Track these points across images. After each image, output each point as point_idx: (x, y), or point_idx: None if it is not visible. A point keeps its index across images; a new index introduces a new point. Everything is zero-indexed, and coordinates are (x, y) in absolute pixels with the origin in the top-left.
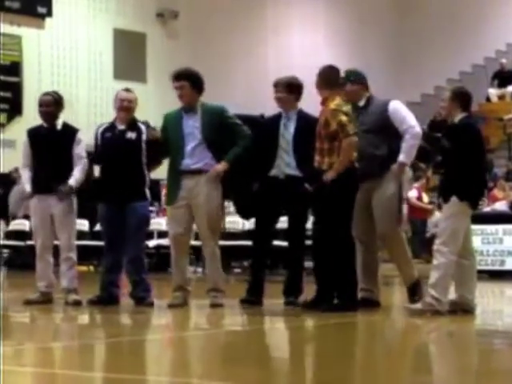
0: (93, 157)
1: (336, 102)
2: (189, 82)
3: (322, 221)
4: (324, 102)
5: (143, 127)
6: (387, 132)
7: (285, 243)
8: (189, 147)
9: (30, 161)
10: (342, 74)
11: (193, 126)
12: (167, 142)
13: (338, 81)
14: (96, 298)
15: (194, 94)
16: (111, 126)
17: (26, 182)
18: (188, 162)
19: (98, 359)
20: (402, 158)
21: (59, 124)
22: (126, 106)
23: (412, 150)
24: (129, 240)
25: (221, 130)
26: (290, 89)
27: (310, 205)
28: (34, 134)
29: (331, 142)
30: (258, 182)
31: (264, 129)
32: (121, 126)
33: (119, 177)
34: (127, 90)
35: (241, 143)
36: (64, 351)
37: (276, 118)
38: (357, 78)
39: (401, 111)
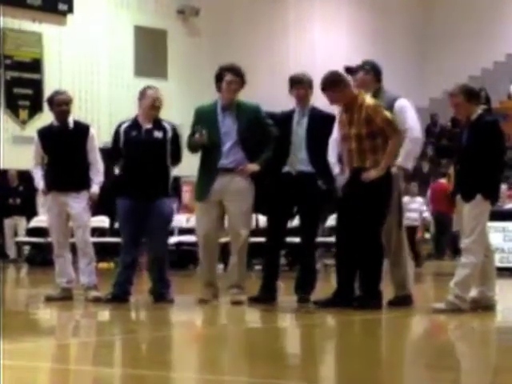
0: (112, 154)
1: (370, 98)
2: (241, 78)
3: (360, 220)
4: (351, 103)
5: (168, 126)
6: None
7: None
8: (226, 146)
9: (42, 159)
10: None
11: (230, 125)
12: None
13: (347, 81)
14: (110, 295)
15: (238, 92)
16: (135, 124)
17: (39, 180)
18: (224, 162)
19: (118, 355)
20: (400, 161)
21: (71, 122)
22: (157, 106)
23: (410, 155)
24: (154, 237)
25: (255, 130)
26: (312, 86)
27: (325, 202)
28: (45, 133)
29: (372, 139)
30: (270, 178)
31: (278, 125)
32: (147, 125)
33: (146, 175)
34: (152, 88)
35: (270, 146)
36: (82, 347)
37: (289, 115)
38: (371, 68)
39: (406, 110)
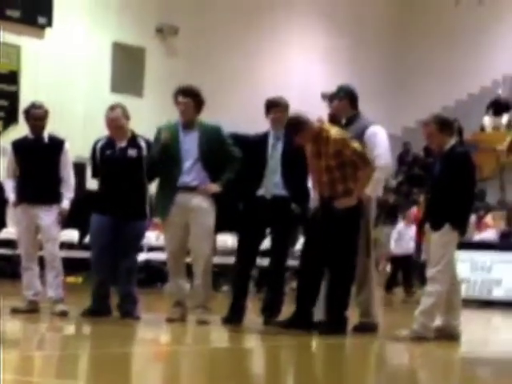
0: (92, 172)
1: (334, 130)
2: (193, 99)
3: (327, 246)
4: (316, 136)
5: (143, 144)
6: None
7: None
8: (187, 164)
9: (14, 171)
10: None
11: (191, 143)
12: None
13: (307, 120)
14: (88, 309)
15: (195, 112)
16: (110, 143)
17: (9, 192)
18: (186, 179)
19: (81, 369)
20: (367, 190)
21: (45, 135)
22: (113, 126)
23: (378, 183)
24: (125, 254)
25: (216, 150)
26: (287, 109)
27: (298, 225)
28: (20, 146)
29: (343, 170)
30: (243, 201)
31: (252, 148)
32: (121, 144)
33: (121, 193)
34: (112, 107)
35: (233, 167)
36: (46, 360)
37: (263, 138)
38: (346, 95)
39: (377, 138)
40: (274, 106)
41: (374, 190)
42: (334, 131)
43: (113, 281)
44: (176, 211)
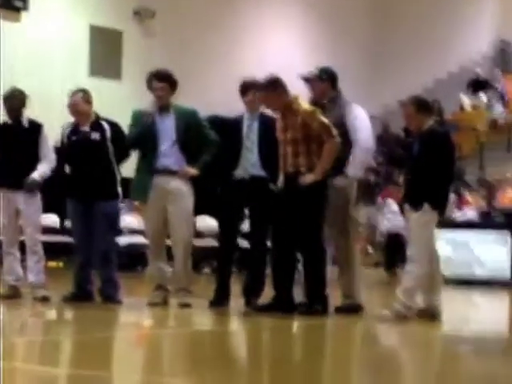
0: (60, 156)
1: (305, 103)
2: (169, 83)
3: (298, 225)
4: (286, 108)
5: (106, 125)
6: (341, 136)
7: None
8: (164, 146)
9: None
10: (314, 70)
11: (167, 126)
12: (139, 139)
13: (285, 86)
14: (70, 294)
15: (170, 96)
16: (75, 128)
17: None
18: (164, 162)
19: (63, 355)
20: (351, 172)
21: (24, 120)
22: (73, 111)
23: (360, 164)
24: (98, 237)
25: (193, 133)
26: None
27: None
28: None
29: (308, 144)
30: (221, 182)
31: (228, 130)
32: (84, 128)
33: (87, 177)
34: (75, 92)
35: (210, 150)
36: (28, 346)
37: (238, 119)
38: (328, 77)
39: (359, 120)
40: (251, 88)
41: (356, 170)
42: (305, 103)
43: (93, 265)
44: (155, 194)
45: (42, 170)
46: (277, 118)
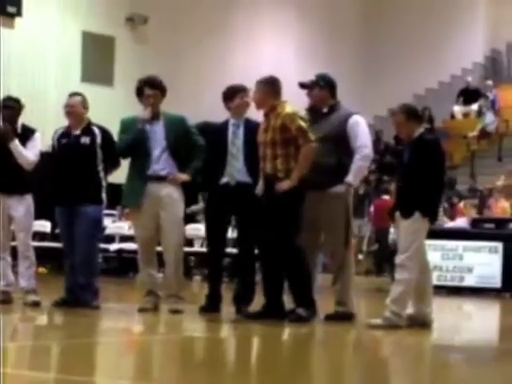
0: (50, 160)
1: (290, 108)
2: (160, 91)
3: (274, 229)
4: (271, 110)
5: (97, 131)
6: (340, 144)
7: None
8: (156, 153)
9: None
10: (313, 78)
11: (158, 133)
12: (132, 145)
13: (281, 90)
14: (60, 299)
15: (160, 103)
16: (67, 132)
17: None
18: (156, 168)
19: (53, 360)
20: (350, 179)
21: (19, 126)
22: (68, 112)
23: (360, 171)
24: (79, 242)
25: (182, 139)
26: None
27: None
28: None
29: (286, 147)
30: (208, 189)
31: (213, 136)
32: (75, 132)
33: (73, 181)
34: (73, 94)
35: (200, 155)
36: (19, 351)
37: (224, 126)
38: (326, 84)
39: (359, 128)
40: (241, 91)
41: (356, 178)
42: (288, 107)
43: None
44: (147, 201)
45: (26, 153)
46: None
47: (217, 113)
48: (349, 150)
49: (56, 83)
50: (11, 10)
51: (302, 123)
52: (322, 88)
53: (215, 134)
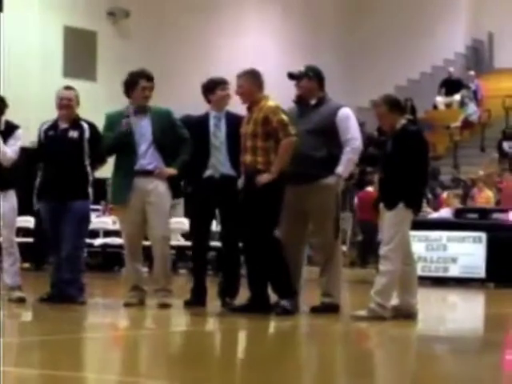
0: (36, 154)
1: (272, 102)
2: (152, 83)
3: (252, 222)
4: (255, 104)
5: (86, 125)
6: (329, 136)
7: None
8: (142, 148)
9: None
10: (302, 69)
11: (144, 128)
12: (116, 146)
13: (264, 83)
14: (46, 295)
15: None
16: (54, 125)
17: None
18: (142, 163)
19: (39, 356)
20: (340, 170)
21: (2, 123)
22: (64, 104)
23: (350, 163)
24: (66, 237)
25: (168, 133)
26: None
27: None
28: None
29: (266, 140)
30: (191, 182)
31: (194, 129)
32: (63, 125)
33: (60, 175)
34: (68, 87)
35: (186, 149)
36: (4, 348)
37: (204, 119)
38: (315, 76)
39: (348, 120)
40: (222, 84)
41: (345, 169)
42: (271, 101)
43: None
44: (134, 196)
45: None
46: (244, 115)
47: (201, 106)
48: (338, 143)
49: (39, 79)
50: None
51: (284, 117)
52: (310, 79)
53: (196, 126)
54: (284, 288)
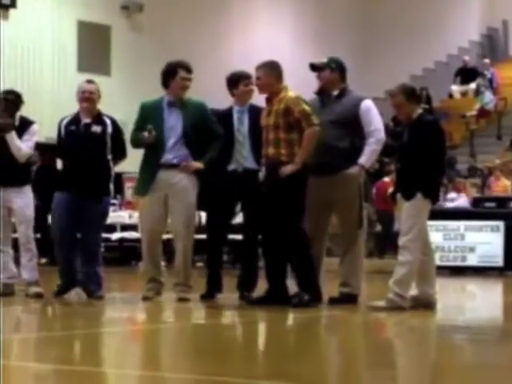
0: (56, 150)
1: (292, 92)
2: (191, 75)
3: (278, 214)
4: (274, 95)
5: (108, 121)
6: (351, 127)
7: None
8: (170, 141)
9: None
10: (324, 60)
11: (175, 121)
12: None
13: (283, 75)
14: (58, 288)
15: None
16: (75, 119)
17: None
18: (168, 157)
19: (59, 351)
20: (363, 160)
21: (17, 118)
22: (87, 97)
23: (373, 154)
24: (87, 232)
25: (199, 127)
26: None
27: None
28: None
29: (289, 132)
30: (215, 176)
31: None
32: (86, 120)
33: (84, 170)
34: (89, 81)
35: (216, 145)
36: (23, 343)
37: (228, 113)
38: (337, 67)
39: (372, 112)
40: (245, 79)
41: (368, 160)
42: (292, 92)
43: (80, 260)
44: (156, 188)
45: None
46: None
47: (214, 100)
48: (360, 133)
49: (53, 74)
50: (5, 1)
51: (306, 107)
52: (332, 70)
53: (220, 121)
54: (307, 282)
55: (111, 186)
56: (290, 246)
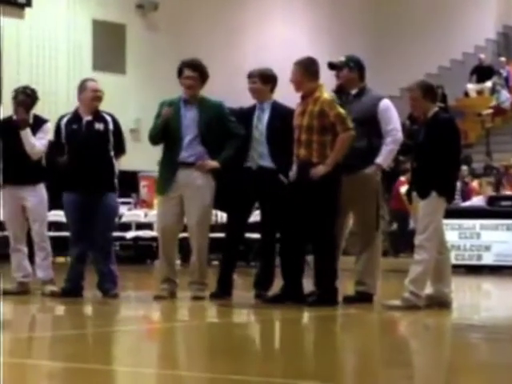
0: (54, 149)
1: (327, 93)
2: (200, 74)
3: (305, 215)
4: (309, 94)
5: (109, 118)
6: (369, 126)
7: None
8: (186, 139)
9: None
10: (342, 59)
11: (191, 119)
12: (165, 131)
13: (319, 72)
14: (61, 289)
15: (199, 87)
16: (75, 117)
17: None
18: (184, 155)
19: (74, 350)
20: (380, 160)
21: (30, 116)
22: (98, 96)
23: (391, 154)
24: (97, 230)
25: (216, 126)
26: (264, 79)
27: (285, 197)
28: (3, 126)
29: (323, 134)
30: (231, 173)
31: (238, 120)
32: (87, 117)
33: (88, 168)
34: (92, 79)
35: (233, 144)
36: (38, 342)
37: (251, 110)
38: (356, 66)
39: (390, 111)
40: (249, 77)
41: (385, 160)
42: (326, 93)
43: (92, 259)
44: (173, 187)
45: (33, 141)
46: (296, 104)
47: (229, 97)
48: (378, 133)
49: (68, 73)
50: (21, 0)
51: (341, 110)
52: (351, 69)
53: (242, 118)
54: (326, 283)
55: (116, 182)
56: (319, 247)
